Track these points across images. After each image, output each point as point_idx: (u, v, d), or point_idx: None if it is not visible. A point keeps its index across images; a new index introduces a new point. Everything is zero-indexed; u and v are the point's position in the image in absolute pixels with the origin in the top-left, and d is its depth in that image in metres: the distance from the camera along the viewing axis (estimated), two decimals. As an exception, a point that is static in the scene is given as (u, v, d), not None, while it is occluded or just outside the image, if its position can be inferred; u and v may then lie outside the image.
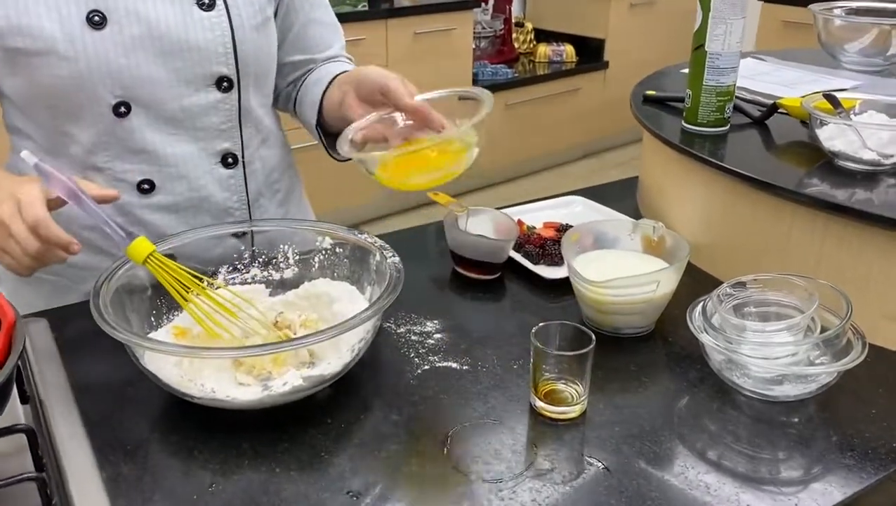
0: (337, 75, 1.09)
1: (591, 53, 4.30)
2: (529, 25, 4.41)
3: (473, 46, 3.84)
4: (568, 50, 4.22)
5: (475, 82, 3.74)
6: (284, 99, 1.21)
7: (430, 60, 3.51)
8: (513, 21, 4.28)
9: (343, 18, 3.59)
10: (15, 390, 0.78)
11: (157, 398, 0.82)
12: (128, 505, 0.68)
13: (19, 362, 0.80)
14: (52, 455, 0.71)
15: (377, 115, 0.99)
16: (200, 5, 0.95)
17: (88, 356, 0.89)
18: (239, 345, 0.82)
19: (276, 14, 1.08)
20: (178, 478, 0.72)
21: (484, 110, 0.90)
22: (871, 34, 1.53)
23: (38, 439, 0.71)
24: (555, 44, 4.26)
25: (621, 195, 1.39)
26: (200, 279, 0.84)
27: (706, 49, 1.11)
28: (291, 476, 0.72)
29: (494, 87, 3.81)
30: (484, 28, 4.10)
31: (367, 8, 3.37)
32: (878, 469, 0.74)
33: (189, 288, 0.82)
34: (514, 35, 4.30)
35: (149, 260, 0.81)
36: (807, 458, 0.76)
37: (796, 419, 0.81)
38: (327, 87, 1.09)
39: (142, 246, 0.81)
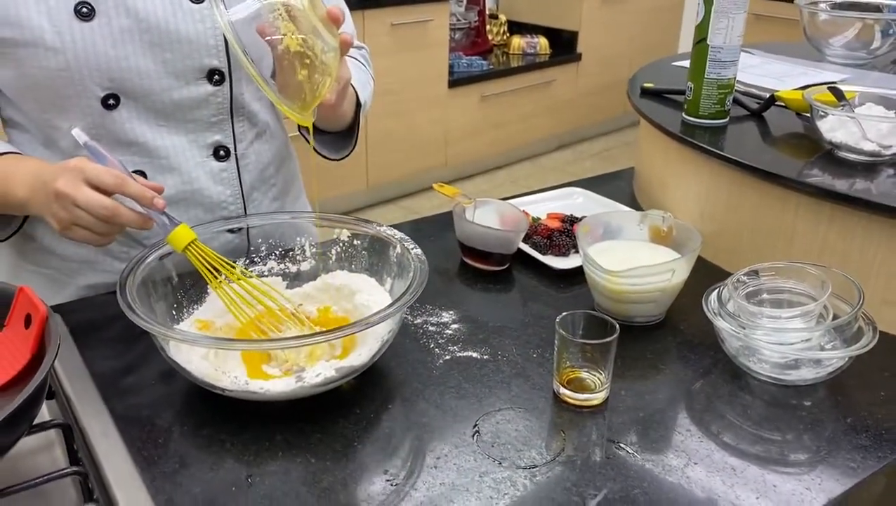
0: None
1: (564, 46, 4.34)
2: (503, 17, 4.43)
3: (448, 38, 3.84)
4: (541, 42, 4.25)
5: (451, 74, 3.75)
6: None
7: (407, 52, 3.51)
8: (486, 13, 4.29)
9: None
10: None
11: (179, 391, 0.82)
12: (169, 499, 0.68)
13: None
14: (86, 451, 0.71)
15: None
16: None
17: (104, 350, 0.89)
18: (265, 337, 0.82)
19: None
20: (213, 470, 0.72)
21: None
22: (856, 28, 1.57)
23: (74, 435, 0.70)
24: (528, 36, 4.28)
25: (617, 186, 1.42)
26: (234, 269, 0.84)
27: (708, 42, 1.13)
28: (328, 467, 0.72)
29: (469, 80, 3.83)
30: (458, 20, 4.10)
31: (343, -1, 3.35)
32: (895, 449, 0.77)
33: (221, 275, 0.83)
34: (487, 27, 4.31)
35: (189, 248, 0.81)
36: (823, 440, 0.78)
37: (808, 403, 0.84)
38: None
39: (183, 234, 0.82)
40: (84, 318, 0.95)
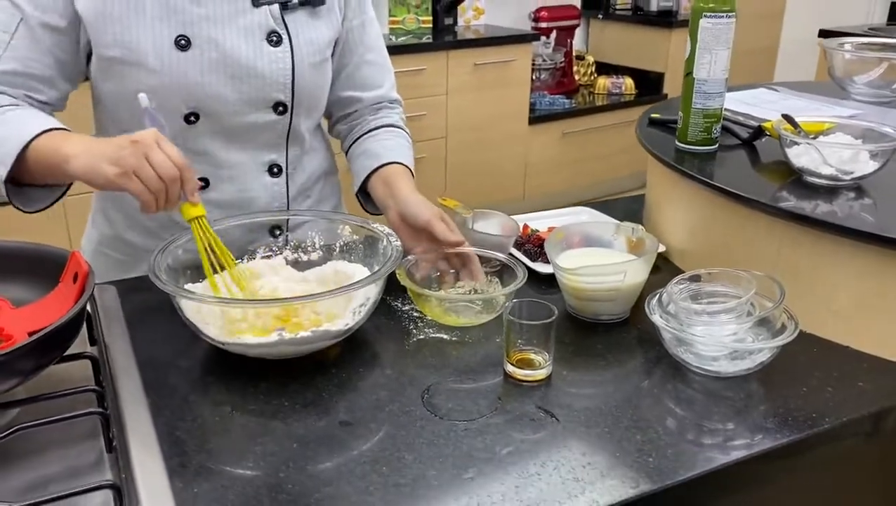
0: (385, 164, 1.23)
1: (650, 86, 4.43)
2: (591, 59, 4.57)
3: (534, 77, 4.02)
4: (627, 82, 4.35)
5: (532, 111, 3.91)
6: (336, 133, 1.38)
7: (489, 90, 3.70)
8: (574, 54, 4.44)
9: (407, 49, 3.82)
10: (86, 333, 0.97)
11: (195, 353, 1.00)
12: (166, 421, 0.85)
13: (91, 312, 1.00)
14: (109, 380, 0.90)
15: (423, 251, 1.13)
16: (269, 41, 1.14)
17: (146, 316, 1.08)
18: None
19: (333, 53, 1.25)
20: (206, 406, 0.89)
21: (514, 286, 1.04)
22: (881, 67, 1.63)
23: (101, 366, 0.89)
24: (614, 76, 4.39)
25: (630, 208, 1.53)
26: (227, 255, 1.01)
27: (694, 76, 1.24)
28: (296, 409, 0.88)
29: (550, 117, 3.98)
30: (545, 60, 4.27)
31: (431, 40, 3.59)
32: (794, 432, 0.85)
33: (216, 257, 1.00)
34: (574, 67, 4.45)
35: (194, 221, 0.98)
36: (731, 421, 0.87)
37: (732, 392, 0.93)
38: (374, 171, 1.23)
39: (193, 208, 0.98)
40: (137, 293, 1.15)
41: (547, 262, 1.24)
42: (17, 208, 1.09)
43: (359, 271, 1.08)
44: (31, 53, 1.06)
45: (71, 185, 1.14)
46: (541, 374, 0.94)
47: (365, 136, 1.31)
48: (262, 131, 1.19)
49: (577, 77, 4.48)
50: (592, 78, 4.52)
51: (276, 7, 1.13)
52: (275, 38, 1.14)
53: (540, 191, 4.07)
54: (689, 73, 1.25)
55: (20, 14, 1.04)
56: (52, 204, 1.14)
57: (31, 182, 1.08)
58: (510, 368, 0.95)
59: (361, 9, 1.26)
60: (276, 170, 1.23)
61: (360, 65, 1.31)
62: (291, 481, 0.77)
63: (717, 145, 1.29)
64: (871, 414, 0.90)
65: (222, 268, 1.00)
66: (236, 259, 1.09)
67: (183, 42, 1.08)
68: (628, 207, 1.55)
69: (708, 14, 1.20)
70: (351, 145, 1.33)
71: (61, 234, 2.78)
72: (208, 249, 0.99)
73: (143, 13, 1.06)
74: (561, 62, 4.34)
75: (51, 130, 1.03)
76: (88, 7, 1.05)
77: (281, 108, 1.17)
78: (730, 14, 1.20)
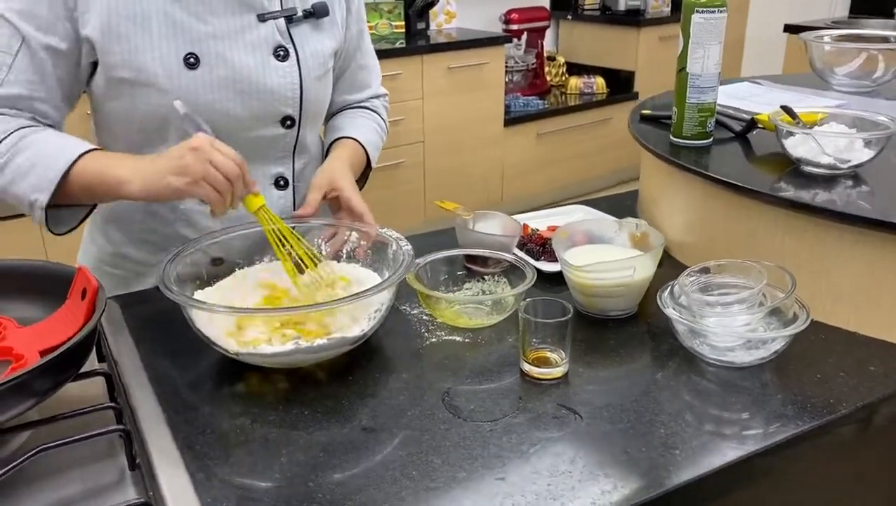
0: (340, 138, 1.30)
1: (621, 85, 4.47)
2: (561, 59, 4.60)
3: (507, 80, 4.03)
4: (598, 82, 4.39)
5: (507, 113, 3.92)
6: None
7: (463, 93, 3.70)
8: (545, 55, 4.46)
9: (382, 55, 3.81)
10: (94, 350, 0.95)
11: (203, 364, 0.98)
12: (185, 436, 0.84)
13: (99, 328, 0.98)
14: (123, 396, 0.88)
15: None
16: (276, 56, 1.13)
17: (150, 330, 1.06)
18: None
19: (333, 63, 1.25)
20: (224, 417, 0.88)
21: (524, 285, 1.04)
22: (860, 58, 1.66)
23: (114, 382, 0.87)
24: (586, 76, 4.43)
25: (624, 204, 1.53)
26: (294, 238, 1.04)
27: (688, 71, 1.25)
28: (317, 417, 0.87)
29: (525, 118, 3.99)
30: (517, 62, 4.29)
31: (404, 45, 3.59)
32: (813, 418, 0.86)
33: (284, 243, 1.02)
34: (546, 69, 4.48)
35: (259, 211, 1.02)
36: (747, 411, 0.88)
37: (749, 382, 0.93)
38: (332, 144, 1.30)
39: (256, 199, 1.02)
40: (138, 305, 1.13)
41: (550, 260, 1.24)
42: (50, 231, 1.09)
43: (368, 277, 1.07)
44: (33, 76, 1.04)
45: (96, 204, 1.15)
46: (558, 371, 0.94)
47: (338, 113, 1.36)
48: (270, 145, 1.18)
49: (548, 78, 4.51)
50: (564, 78, 4.55)
51: (281, 21, 1.13)
52: (282, 53, 1.13)
53: (518, 192, 4.09)
54: (682, 69, 1.26)
55: (21, 36, 1.01)
56: (78, 225, 1.14)
57: (66, 204, 1.07)
58: (527, 367, 0.95)
59: (360, 17, 1.26)
60: (282, 183, 1.22)
61: (356, 70, 1.33)
62: (322, 490, 0.76)
63: (711, 139, 1.30)
64: (885, 397, 0.91)
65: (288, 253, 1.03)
66: (242, 268, 1.08)
67: (192, 60, 1.07)
68: (620, 203, 1.55)
69: (700, 9, 1.21)
70: (326, 122, 1.37)
71: (38, 253, 2.73)
72: (276, 232, 1.02)
73: (150, 33, 1.05)
74: (533, 63, 4.37)
75: (88, 151, 1.03)
76: (96, 28, 1.03)
77: (289, 122, 1.17)
78: (721, 8, 1.21)
